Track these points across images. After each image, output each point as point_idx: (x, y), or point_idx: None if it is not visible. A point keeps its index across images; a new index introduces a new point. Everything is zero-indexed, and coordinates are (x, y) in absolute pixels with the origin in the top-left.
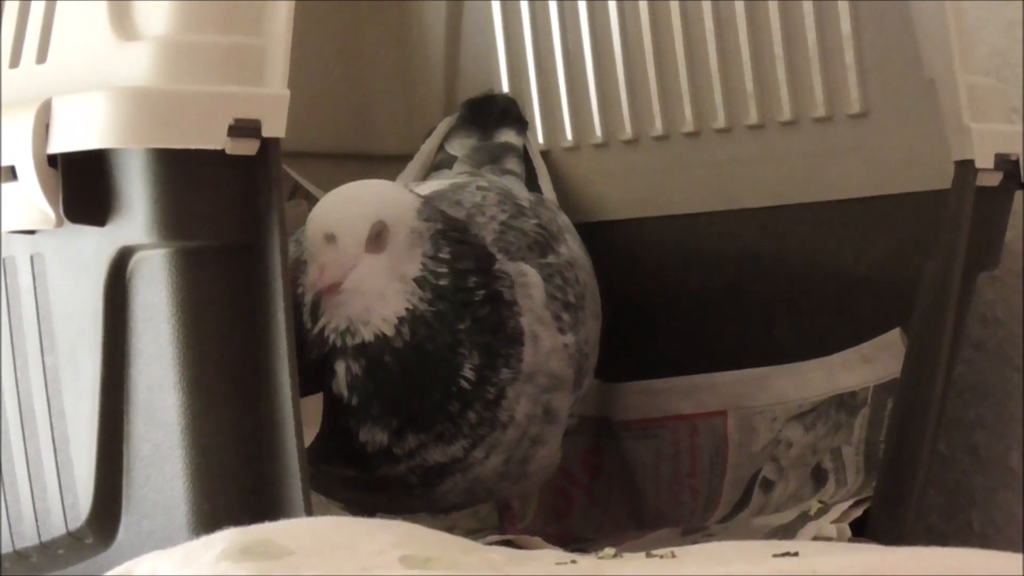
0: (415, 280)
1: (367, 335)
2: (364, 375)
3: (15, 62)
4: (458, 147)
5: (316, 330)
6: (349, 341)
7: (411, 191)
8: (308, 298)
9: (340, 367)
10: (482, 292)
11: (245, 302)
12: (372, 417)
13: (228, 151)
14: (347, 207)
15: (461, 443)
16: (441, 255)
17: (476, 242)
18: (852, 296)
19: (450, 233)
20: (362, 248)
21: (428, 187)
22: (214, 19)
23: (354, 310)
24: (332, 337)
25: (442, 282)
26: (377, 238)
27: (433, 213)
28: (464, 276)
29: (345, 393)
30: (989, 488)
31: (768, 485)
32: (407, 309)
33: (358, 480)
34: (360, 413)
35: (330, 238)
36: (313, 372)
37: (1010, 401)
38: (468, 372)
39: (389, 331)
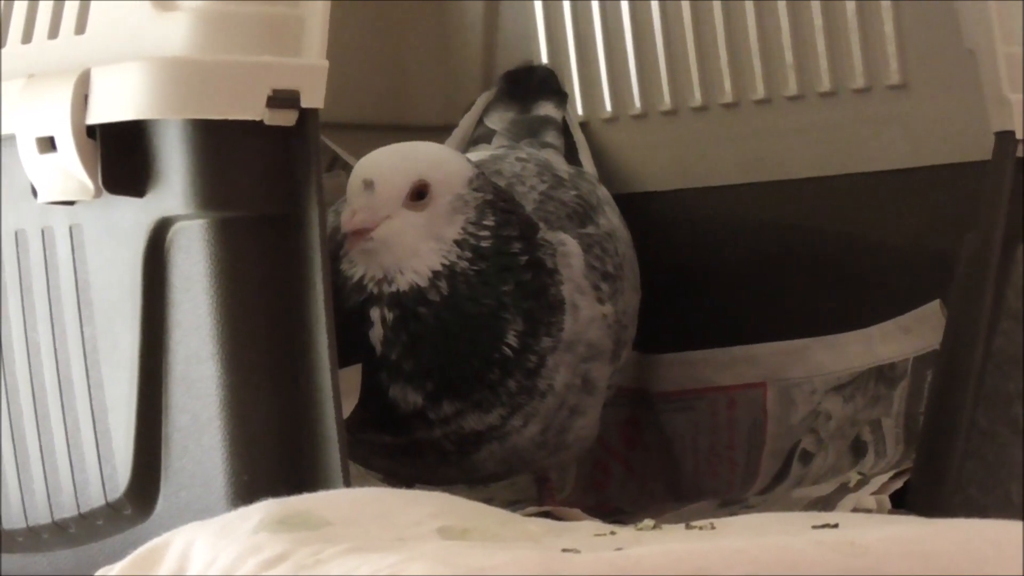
0: (455, 241)
1: (402, 284)
2: (397, 325)
3: (54, 32)
4: (497, 120)
5: (355, 278)
6: (385, 289)
7: (468, 160)
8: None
9: (375, 314)
10: (525, 258)
11: (284, 273)
12: (404, 374)
13: (266, 122)
14: (392, 159)
15: (499, 411)
16: (485, 222)
17: (522, 212)
18: (891, 268)
19: (498, 204)
20: (399, 201)
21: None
22: None
23: (386, 260)
24: (370, 285)
25: (484, 244)
26: (418, 196)
27: (484, 184)
28: (508, 241)
29: (379, 343)
30: None
31: (807, 457)
32: (443, 265)
33: (394, 447)
34: (392, 368)
35: (368, 184)
36: (352, 320)
37: None
38: (512, 339)
39: (423, 283)
